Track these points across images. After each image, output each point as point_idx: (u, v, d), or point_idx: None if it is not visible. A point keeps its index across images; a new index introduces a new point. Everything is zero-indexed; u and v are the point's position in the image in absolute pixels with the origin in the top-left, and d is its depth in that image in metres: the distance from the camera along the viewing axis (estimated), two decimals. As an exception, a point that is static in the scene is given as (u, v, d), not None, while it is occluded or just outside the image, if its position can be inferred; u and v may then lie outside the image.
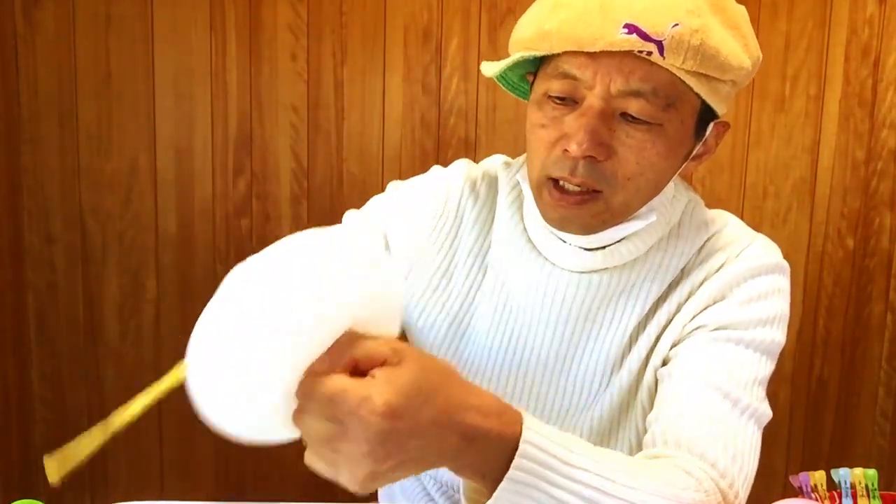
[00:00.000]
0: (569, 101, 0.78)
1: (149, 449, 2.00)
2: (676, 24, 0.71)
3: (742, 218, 0.96)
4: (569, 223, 0.81)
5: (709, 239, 0.88)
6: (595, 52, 0.73)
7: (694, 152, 0.83)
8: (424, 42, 1.82)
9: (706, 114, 0.81)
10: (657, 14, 0.71)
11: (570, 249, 0.85)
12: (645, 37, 0.71)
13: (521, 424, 0.60)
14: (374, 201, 0.99)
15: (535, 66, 0.83)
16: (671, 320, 0.86)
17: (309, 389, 0.55)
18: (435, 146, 1.87)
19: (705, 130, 0.82)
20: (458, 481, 0.92)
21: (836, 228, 1.88)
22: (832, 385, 1.95)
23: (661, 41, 0.71)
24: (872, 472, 1.04)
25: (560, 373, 0.87)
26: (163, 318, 1.94)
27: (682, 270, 0.87)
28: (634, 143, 0.76)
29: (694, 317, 0.85)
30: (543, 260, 0.87)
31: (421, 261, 0.92)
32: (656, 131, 0.76)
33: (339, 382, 0.54)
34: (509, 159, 0.97)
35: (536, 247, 0.88)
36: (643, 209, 0.83)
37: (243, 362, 0.59)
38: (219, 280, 0.61)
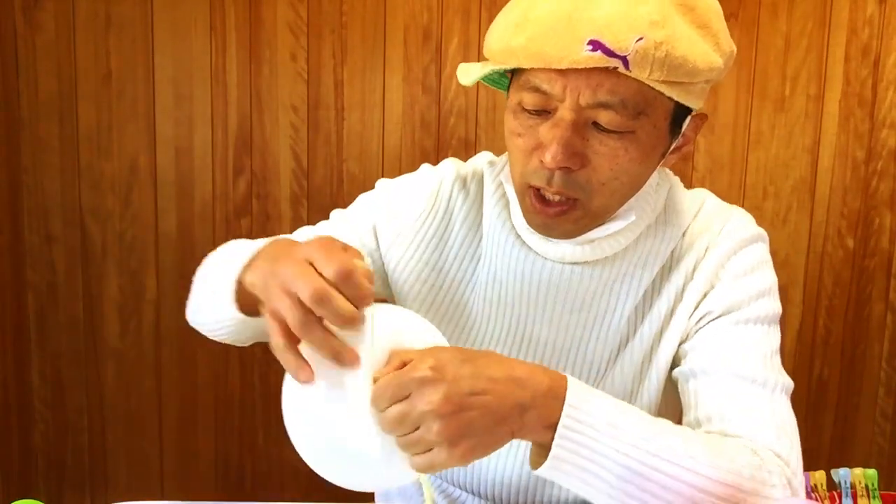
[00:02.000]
0: (542, 112, 0.79)
1: (149, 449, 2.00)
2: (640, 39, 0.71)
3: None
4: (551, 230, 0.84)
5: (693, 220, 0.90)
6: (562, 69, 0.74)
7: (672, 146, 0.85)
8: (424, 42, 1.82)
9: (681, 111, 0.82)
10: (620, 29, 0.71)
11: (556, 243, 0.87)
12: (609, 53, 0.71)
13: (566, 380, 0.69)
14: (362, 198, 1.01)
15: (511, 70, 0.84)
16: (673, 310, 0.87)
17: (373, 395, 0.66)
18: (435, 146, 1.87)
19: (681, 126, 0.83)
20: (456, 480, 0.93)
21: (836, 228, 1.88)
22: (832, 385, 1.95)
23: (625, 56, 0.71)
24: (872, 472, 1.04)
25: (557, 364, 0.88)
26: (163, 318, 1.94)
27: (672, 255, 0.88)
28: (607, 150, 0.77)
29: (696, 307, 0.86)
30: (535, 254, 0.88)
31: (410, 256, 0.94)
32: (629, 138, 0.77)
33: (390, 374, 0.66)
34: (494, 157, 0.98)
35: (525, 241, 0.89)
36: (622, 209, 0.85)
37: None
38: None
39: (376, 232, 0.97)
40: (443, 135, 1.86)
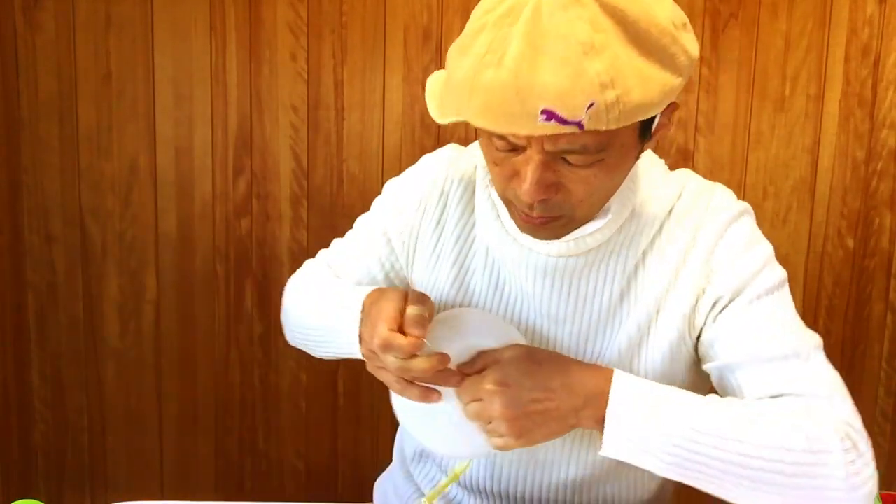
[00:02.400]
0: (513, 149, 0.80)
1: (149, 449, 2.00)
2: (591, 105, 0.70)
3: None
4: (538, 235, 0.87)
5: (677, 200, 0.92)
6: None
7: (646, 145, 0.86)
8: (424, 42, 1.82)
9: (648, 119, 0.80)
10: (571, 98, 0.70)
11: (544, 241, 0.90)
12: (563, 121, 0.71)
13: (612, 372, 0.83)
14: (374, 204, 1.06)
15: None
16: (668, 290, 0.89)
17: (458, 393, 0.85)
18: (435, 146, 1.87)
19: (652, 126, 0.82)
20: (461, 486, 0.96)
21: (836, 228, 1.88)
22: (832, 385, 1.95)
23: (579, 122, 0.71)
24: (872, 472, 1.04)
25: (553, 342, 0.93)
26: (163, 318, 1.94)
27: (658, 233, 0.91)
28: (579, 178, 0.79)
29: (700, 295, 0.88)
30: (520, 245, 0.92)
31: (417, 244, 0.99)
32: (598, 165, 0.78)
33: (473, 381, 0.85)
34: None
35: (513, 237, 0.92)
36: (602, 209, 0.88)
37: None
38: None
39: (388, 236, 1.02)
40: (443, 134, 1.86)
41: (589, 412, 0.81)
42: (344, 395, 1.96)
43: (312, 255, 1.94)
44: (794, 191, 1.87)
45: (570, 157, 0.77)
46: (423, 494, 1.06)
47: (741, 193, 1.87)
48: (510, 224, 0.90)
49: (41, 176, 1.89)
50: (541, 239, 0.88)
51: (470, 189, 0.97)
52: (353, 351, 0.91)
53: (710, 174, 1.86)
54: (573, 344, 0.92)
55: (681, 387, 0.85)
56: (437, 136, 1.86)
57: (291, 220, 1.90)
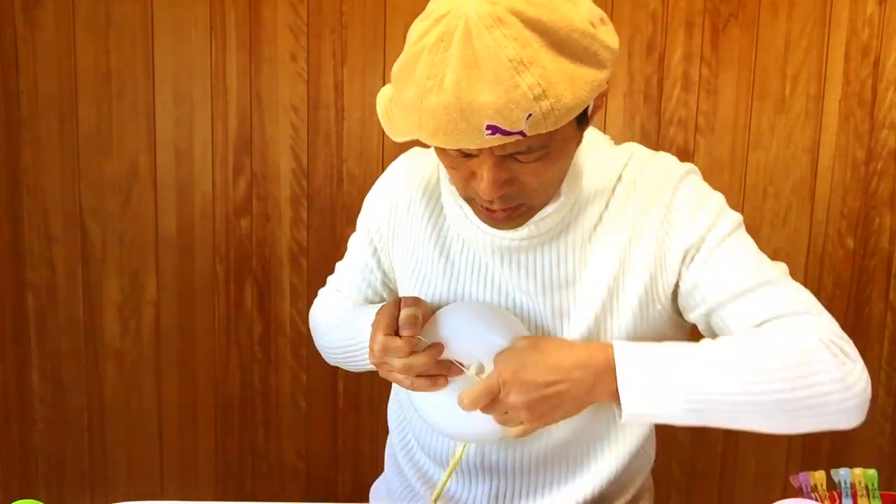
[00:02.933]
0: (466, 156, 0.86)
1: (149, 449, 2.00)
2: (530, 115, 0.76)
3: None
4: (500, 227, 0.94)
5: (624, 169, 0.98)
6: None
7: (585, 126, 0.91)
8: (424, 42, 1.82)
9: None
10: (510, 112, 0.76)
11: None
12: (506, 133, 0.77)
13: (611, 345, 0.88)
14: (358, 220, 1.14)
15: None
16: (629, 248, 0.95)
17: (470, 399, 0.88)
18: (435, 146, 1.87)
19: (587, 113, 0.88)
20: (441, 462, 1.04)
21: (836, 228, 1.88)
22: (832, 385, 1.94)
23: (521, 131, 0.78)
24: (872, 472, 1.04)
25: (528, 311, 0.98)
26: (163, 318, 1.94)
27: (614, 193, 0.97)
28: (530, 171, 0.86)
29: (664, 252, 0.94)
30: (484, 232, 0.97)
31: (395, 241, 1.06)
32: (545, 157, 0.86)
33: (485, 380, 0.88)
34: None
35: (474, 223, 0.98)
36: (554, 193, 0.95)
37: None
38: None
39: (374, 244, 1.10)
40: (443, 135, 1.86)
41: (601, 387, 0.86)
42: (344, 395, 1.96)
43: (312, 255, 1.95)
44: (794, 191, 1.87)
45: (518, 157, 0.84)
46: (415, 492, 1.08)
47: (741, 193, 1.87)
48: (472, 213, 0.97)
49: (41, 176, 1.89)
50: (503, 230, 0.95)
51: (433, 183, 1.06)
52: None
53: (710, 174, 1.87)
54: (550, 314, 0.97)
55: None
56: (437, 136, 1.86)
57: (291, 220, 1.90)
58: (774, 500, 0.91)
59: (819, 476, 1.06)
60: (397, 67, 0.84)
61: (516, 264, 0.97)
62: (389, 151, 1.88)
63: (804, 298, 0.92)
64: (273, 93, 1.86)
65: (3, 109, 1.86)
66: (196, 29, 1.84)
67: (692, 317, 0.96)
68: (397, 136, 0.87)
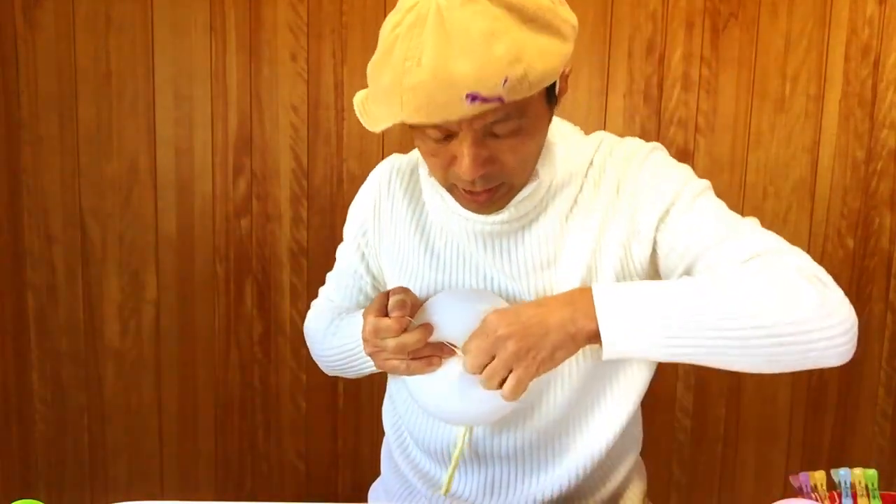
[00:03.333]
0: (446, 137, 0.89)
1: (149, 449, 2.00)
2: (506, 80, 0.81)
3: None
4: (484, 210, 0.97)
5: (595, 153, 1.02)
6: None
7: (554, 105, 0.95)
8: (424, 42, 1.82)
9: (550, 86, 0.91)
10: (487, 79, 0.80)
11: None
12: (485, 100, 0.81)
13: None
14: (345, 230, 1.16)
15: None
16: (604, 224, 0.98)
17: (471, 363, 0.88)
18: (435, 146, 1.87)
19: (555, 91, 0.93)
20: (442, 465, 1.05)
21: (836, 228, 1.88)
22: (832, 385, 1.95)
23: (499, 97, 0.81)
24: (872, 472, 1.04)
25: (511, 292, 1.00)
26: (163, 318, 1.94)
27: (587, 175, 1.01)
28: (509, 147, 0.90)
29: (636, 222, 0.97)
30: (464, 219, 1.01)
31: (381, 239, 1.09)
32: (521, 132, 0.89)
33: (478, 328, 0.89)
34: None
35: (456, 212, 1.01)
36: (532, 174, 0.98)
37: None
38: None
39: (361, 249, 1.13)
40: (443, 135, 1.86)
41: (581, 315, 0.86)
42: (344, 395, 1.96)
43: (312, 254, 1.95)
44: (794, 191, 1.87)
45: (496, 129, 0.88)
46: (414, 490, 1.08)
47: (741, 193, 1.87)
48: (453, 202, 1.00)
49: (41, 176, 1.89)
50: (484, 214, 0.98)
51: (414, 176, 1.09)
52: (371, 363, 1.01)
53: (710, 174, 1.87)
54: (534, 295, 0.99)
55: None
56: (437, 136, 1.86)
57: (291, 220, 1.90)
58: (774, 500, 0.91)
59: (819, 476, 1.06)
60: (372, 62, 0.89)
61: (498, 249, 1.00)
62: (389, 151, 1.87)
63: (778, 239, 0.93)
64: (273, 93, 1.86)
65: (3, 109, 1.86)
66: (196, 29, 1.84)
67: (670, 270, 0.98)
68: (376, 126, 0.89)
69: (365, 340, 0.95)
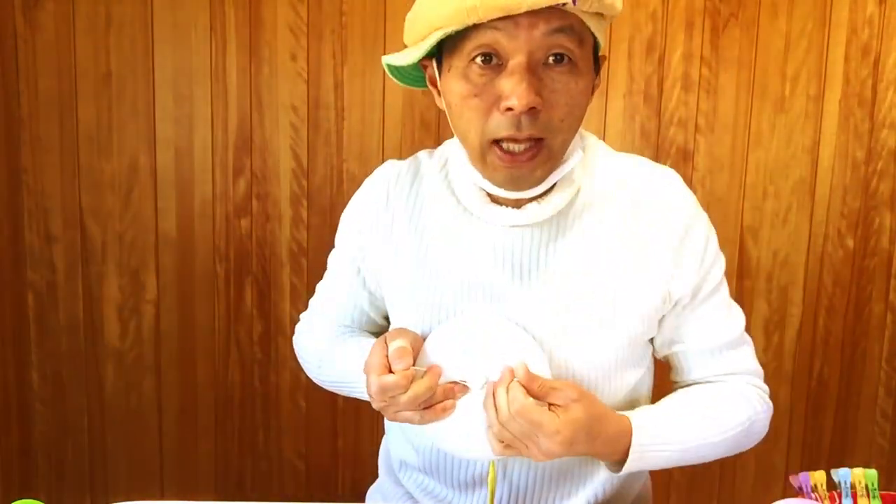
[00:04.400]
0: (494, 65, 0.84)
1: (149, 449, 2.00)
2: None
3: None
4: (520, 181, 0.89)
5: (628, 179, 0.97)
6: (520, 13, 0.81)
7: (596, 77, 0.92)
8: (424, 42, 1.82)
9: (595, 50, 0.90)
10: None
11: (501, 210, 0.94)
12: None
13: (631, 425, 0.93)
14: (337, 238, 1.09)
15: (437, 49, 0.90)
16: (632, 275, 0.94)
17: (521, 409, 0.85)
18: (435, 146, 1.86)
19: (598, 65, 0.91)
20: (448, 485, 1.04)
21: (836, 228, 1.88)
22: (832, 385, 1.95)
23: None
24: (872, 472, 1.04)
25: (519, 316, 0.95)
26: (163, 318, 1.94)
27: (613, 206, 0.96)
28: (561, 86, 0.85)
29: (664, 289, 0.95)
30: (476, 218, 0.95)
31: (379, 249, 1.01)
32: (575, 70, 0.85)
33: (539, 413, 0.85)
34: (431, 150, 1.06)
35: (468, 209, 0.96)
36: (570, 149, 0.92)
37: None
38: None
39: (356, 261, 1.05)
40: (442, 134, 1.86)
41: (608, 452, 0.93)
42: (344, 396, 1.96)
43: (312, 254, 1.95)
44: (794, 191, 1.87)
45: (556, 45, 0.83)
46: (412, 497, 1.07)
47: (741, 193, 1.87)
48: (468, 202, 0.95)
49: (41, 176, 1.89)
50: (519, 189, 0.90)
51: (416, 180, 1.01)
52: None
53: (710, 174, 1.87)
54: (541, 317, 0.94)
55: (640, 355, 1.00)
56: (437, 136, 1.86)
57: (291, 220, 1.90)
58: (774, 500, 0.91)
59: (819, 476, 1.05)
60: None
61: (517, 264, 0.94)
62: (389, 151, 1.88)
63: (750, 357, 1.04)
64: (273, 93, 1.86)
65: (3, 109, 1.86)
66: (196, 29, 1.84)
67: (658, 344, 1.02)
68: (407, 55, 0.88)
69: (372, 398, 0.91)
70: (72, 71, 1.85)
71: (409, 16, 0.91)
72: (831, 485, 1.11)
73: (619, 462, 0.93)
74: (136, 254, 1.92)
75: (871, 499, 1.01)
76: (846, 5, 1.80)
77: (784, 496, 0.91)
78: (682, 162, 1.86)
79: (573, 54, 0.84)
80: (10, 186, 1.89)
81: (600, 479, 1.01)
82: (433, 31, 0.85)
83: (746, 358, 1.04)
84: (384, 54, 1.85)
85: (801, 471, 1.06)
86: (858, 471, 1.04)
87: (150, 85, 1.86)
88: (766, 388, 1.05)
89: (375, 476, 1.22)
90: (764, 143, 1.86)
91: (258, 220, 1.91)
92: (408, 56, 0.89)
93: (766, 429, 1.05)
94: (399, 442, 1.10)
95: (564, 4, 0.81)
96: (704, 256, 0.96)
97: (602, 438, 0.89)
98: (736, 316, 1.03)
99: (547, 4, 0.79)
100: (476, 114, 0.86)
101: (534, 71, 0.83)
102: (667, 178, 0.98)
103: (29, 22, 1.84)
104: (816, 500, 1.01)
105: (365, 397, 0.99)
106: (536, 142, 0.86)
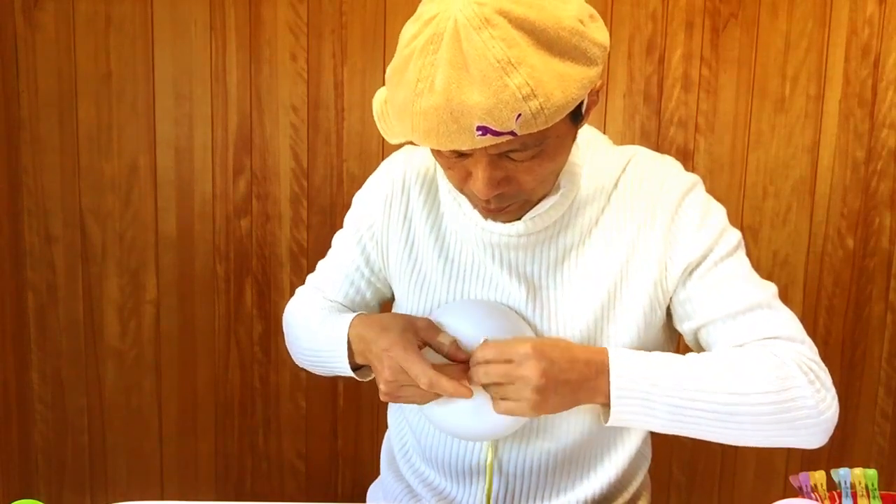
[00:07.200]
0: (460, 156, 0.87)
1: (149, 449, 2.00)
2: (519, 115, 0.77)
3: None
4: (500, 220, 0.95)
5: (623, 172, 0.99)
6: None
7: (580, 122, 0.91)
8: (424, 42, 1.82)
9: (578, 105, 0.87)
10: (499, 113, 0.76)
11: (498, 224, 0.97)
12: (497, 133, 0.78)
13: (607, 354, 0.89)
14: (347, 218, 1.12)
15: None
16: (630, 256, 0.96)
17: (489, 351, 0.87)
18: (435, 146, 1.87)
19: (582, 109, 0.88)
20: (446, 476, 1.04)
21: (836, 228, 1.88)
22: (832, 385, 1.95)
23: (511, 131, 0.78)
24: (872, 472, 1.04)
25: (527, 312, 0.98)
26: (163, 318, 1.94)
27: (610, 198, 0.98)
28: (525, 168, 0.86)
29: (667, 263, 0.95)
30: (481, 228, 0.98)
31: (389, 241, 1.05)
32: (540, 155, 0.86)
33: (506, 343, 0.88)
34: None
35: (472, 219, 0.99)
36: (553, 187, 0.95)
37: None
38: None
39: (362, 243, 1.08)
40: (443, 135, 1.86)
41: (594, 384, 0.87)
42: (344, 395, 1.96)
43: (312, 254, 1.95)
44: (794, 191, 1.87)
45: (512, 155, 0.85)
46: (412, 492, 1.08)
47: (741, 193, 1.87)
48: (471, 210, 0.98)
49: (41, 176, 1.89)
50: (503, 223, 0.95)
51: (429, 179, 1.05)
52: (346, 373, 1.02)
53: (710, 174, 1.87)
54: (547, 314, 0.97)
55: (654, 349, 0.95)
56: (437, 136, 1.86)
57: (291, 220, 1.90)
58: (774, 500, 0.91)
59: (819, 476, 1.06)
60: (390, 70, 0.85)
61: (514, 262, 0.98)
62: (389, 151, 1.87)
63: (790, 324, 0.95)
64: (273, 93, 1.86)
65: (3, 109, 1.86)
66: (196, 29, 1.84)
67: (683, 327, 0.98)
68: (392, 139, 0.88)
69: (387, 381, 0.92)
70: (72, 71, 1.85)
71: (380, 96, 0.90)
72: (831, 485, 1.11)
73: (606, 405, 0.89)
74: (136, 254, 1.92)
75: (871, 499, 1.01)
76: (846, 5, 1.80)
77: (784, 496, 0.91)
78: (682, 162, 1.84)
79: (534, 151, 0.85)
80: (10, 186, 1.89)
81: (596, 474, 1.02)
82: (396, 133, 0.88)
83: (783, 323, 0.94)
84: (384, 54, 1.86)
85: (801, 471, 1.06)
86: (858, 471, 1.04)
87: (150, 85, 1.86)
88: (819, 361, 0.93)
89: (375, 476, 1.23)
90: (764, 143, 1.86)
91: (258, 220, 1.91)
92: (387, 134, 0.90)
93: (827, 413, 0.92)
94: (401, 428, 1.12)
95: (511, 133, 0.78)
96: (702, 226, 0.95)
97: (580, 362, 0.87)
98: (761, 284, 0.96)
99: (485, 144, 0.79)
100: (453, 181, 0.91)
101: (496, 163, 0.85)
102: (664, 165, 1.00)
103: (29, 22, 1.84)
104: (816, 500, 1.01)
105: (337, 371, 1.03)
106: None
